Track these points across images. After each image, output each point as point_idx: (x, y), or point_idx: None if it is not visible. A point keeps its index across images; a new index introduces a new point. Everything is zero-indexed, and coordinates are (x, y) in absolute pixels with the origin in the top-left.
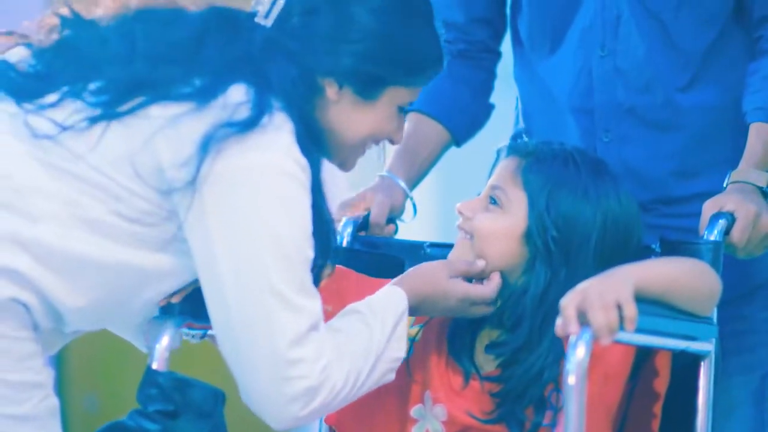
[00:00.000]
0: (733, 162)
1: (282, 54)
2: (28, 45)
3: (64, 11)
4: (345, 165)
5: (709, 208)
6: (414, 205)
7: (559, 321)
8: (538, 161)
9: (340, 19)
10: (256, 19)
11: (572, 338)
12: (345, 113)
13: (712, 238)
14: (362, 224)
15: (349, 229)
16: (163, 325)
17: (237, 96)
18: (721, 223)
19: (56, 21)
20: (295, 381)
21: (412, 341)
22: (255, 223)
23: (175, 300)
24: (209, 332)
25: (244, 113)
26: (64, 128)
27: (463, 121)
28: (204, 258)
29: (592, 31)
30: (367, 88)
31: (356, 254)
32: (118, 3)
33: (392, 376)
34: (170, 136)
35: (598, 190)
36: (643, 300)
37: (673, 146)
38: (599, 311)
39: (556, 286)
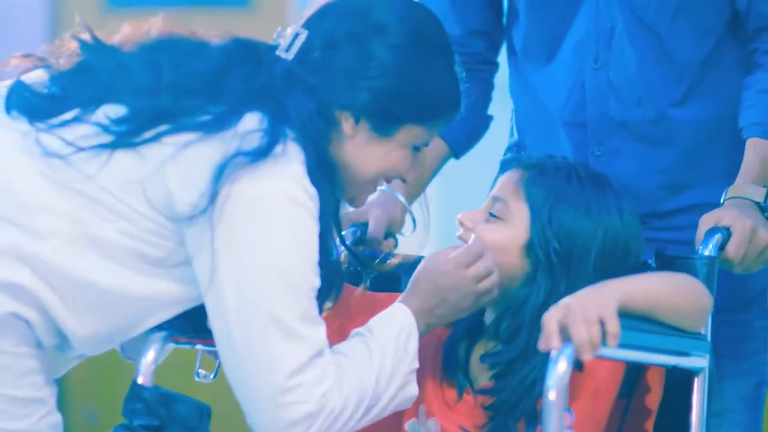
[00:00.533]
0: (726, 175)
1: (301, 87)
2: (47, 67)
3: (85, 36)
4: (355, 201)
5: (705, 222)
6: (413, 219)
7: (542, 336)
8: (541, 174)
9: (359, 54)
10: (277, 52)
11: (553, 353)
12: (360, 148)
13: (706, 253)
14: (360, 239)
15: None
16: (149, 340)
17: (250, 124)
18: (717, 237)
19: (76, 45)
20: (293, 407)
21: None
22: (261, 249)
23: None
24: (198, 346)
25: (256, 141)
26: (80, 149)
27: (462, 133)
28: (209, 282)
29: (586, 44)
30: (384, 124)
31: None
32: (137, 31)
33: (413, 392)
34: (180, 161)
35: (600, 205)
36: (628, 315)
37: (664, 160)
38: (581, 326)
39: (555, 298)
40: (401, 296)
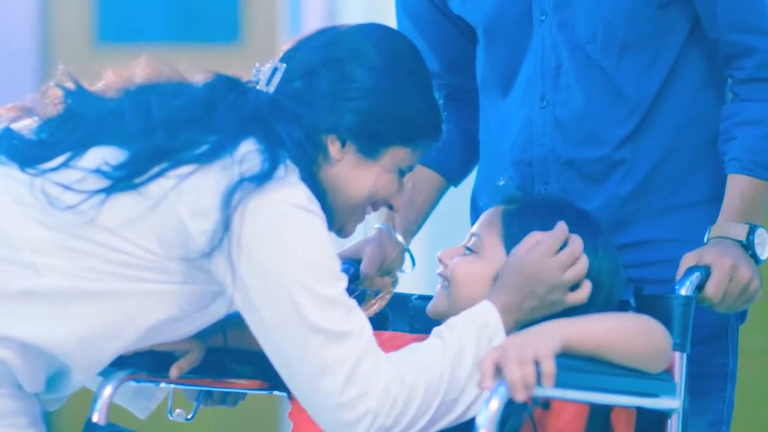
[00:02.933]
0: (670, 209)
1: (286, 115)
2: (34, 116)
3: (68, 84)
4: (344, 230)
5: (686, 261)
6: (411, 257)
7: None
8: (519, 210)
9: (339, 77)
10: (258, 87)
11: (485, 393)
12: (346, 171)
13: (683, 292)
14: (352, 276)
15: None
16: (109, 376)
17: (247, 149)
18: (695, 276)
19: (60, 93)
20: (354, 404)
21: None
22: (286, 260)
23: (125, 353)
24: (161, 384)
25: (257, 165)
26: (90, 194)
27: (455, 162)
28: (246, 309)
29: (533, 82)
30: (369, 145)
31: None
32: (120, 77)
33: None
34: (185, 192)
35: None
36: (572, 356)
37: (609, 197)
38: (514, 366)
39: None
40: (488, 293)
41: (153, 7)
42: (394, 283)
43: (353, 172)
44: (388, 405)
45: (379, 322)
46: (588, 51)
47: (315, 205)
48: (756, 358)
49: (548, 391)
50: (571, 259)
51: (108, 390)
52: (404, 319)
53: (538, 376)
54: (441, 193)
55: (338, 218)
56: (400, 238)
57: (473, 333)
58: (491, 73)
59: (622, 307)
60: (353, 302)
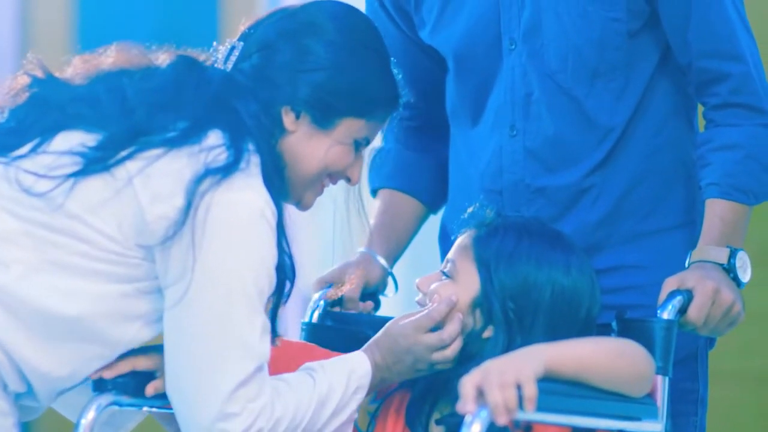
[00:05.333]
0: (640, 235)
1: (243, 92)
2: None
3: (37, 72)
4: (302, 202)
5: (668, 285)
6: (395, 280)
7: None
8: (491, 233)
9: (295, 50)
10: (216, 65)
11: (467, 417)
12: (301, 143)
13: (665, 316)
14: (336, 300)
15: (321, 304)
16: (91, 401)
17: (214, 141)
18: (677, 300)
19: (27, 80)
20: (231, 418)
21: (372, 416)
22: (233, 261)
23: (106, 375)
24: (144, 408)
25: (222, 158)
26: (62, 179)
27: (433, 189)
28: (177, 301)
29: (503, 111)
30: (323, 116)
31: (324, 330)
32: (89, 64)
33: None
34: (149, 176)
35: (548, 261)
36: (554, 379)
37: (578, 223)
38: (496, 390)
39: None
40: (364, 346)
41: (133, 10)
42: (377, 306)
43: (307, 143)
44: (253, 430)
45: (361, 346)
46: (559, 80)
47: (269, 207)
48: (731, 383)
49: (530, 414)
50: (439, 343)
51: (91, 414)
52: None
53: (520, 399)
54: (421, 219)
55: (296, 190)
56: (383, 261)
57: (344, 379)
58: (461, 102)
59: (604, 331)
60: (268, 324)
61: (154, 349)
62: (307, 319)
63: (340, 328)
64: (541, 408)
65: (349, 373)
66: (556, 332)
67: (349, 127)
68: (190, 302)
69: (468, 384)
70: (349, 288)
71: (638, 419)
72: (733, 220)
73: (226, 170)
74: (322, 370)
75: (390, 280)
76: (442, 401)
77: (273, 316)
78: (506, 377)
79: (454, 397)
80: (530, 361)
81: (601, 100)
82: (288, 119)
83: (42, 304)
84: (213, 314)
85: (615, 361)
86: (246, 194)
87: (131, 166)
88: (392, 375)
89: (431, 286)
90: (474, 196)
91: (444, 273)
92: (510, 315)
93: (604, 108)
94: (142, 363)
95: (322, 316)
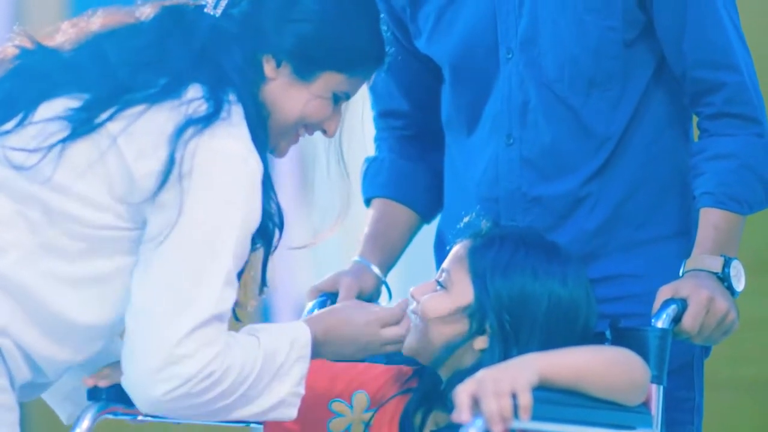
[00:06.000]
0: (637, 244)
1: (228, 40)
2: None
3: (25, 42)
4: (277, 150)
5: (663, 293)
6: (388, 289)
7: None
8: (487, 243)
9: (285, 0)
10: (205, 10)
11: (463, 427)
12: (280, 92)
13: (659, 325)
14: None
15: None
16: (86, 409)
17: (194, 94)
18: (671, 309)
19: (15, 51)
20: (183, 360)
21: (366, 425)
22: (218, 205)
23: (102, 384)
24: (139, 418)
25: (203, 109)
26: (48, 148)
27: (427, 199)
28: (154, 241)
29: (499, 120)
30: (304, 67)
31: None
32: (78, 28)
33: (290, 414)
34: (132, 134)
35: (545, 271)
36: (551, 388)
37: (575, 231)
38: (491, 399)
39: None
40: (306, 318)
41: None
42: None
43: (285, 93)
44: (203, 375)
45: None
46: (555, 89)
47: (253, 155)
48: (726, 391)
49: (525, 423)
50: (396, 339)
51: (86, 423)
52: None
53: (515, 408)
54: (415, 229)
55: (271, 138)
56: (376, 270)
57: (286, 344)
58: (457, 111)
59: (599, 339)
60: (235, 278)
61: None
62: None
63: None
64: (536, 417)
65: (292, 341)
66: (552, 344)
67: (329, 80)
68: (167, 240)
69: (463, 393)
70: (342, 296)
71: (633, 428)
72: (727, 229)
73: (207, 120)
74: (266, 332)
75: (384, 289)
76: (437, 411)
77: (263, 266)
78: (501, 386)
79: (449, 407)
80: (525, 370)
81: (598, 109)
82: (268, 67)
83: (38, 291)
84: (184, 253)
85: (610, 370)
86: (228, 143)
87: (114, 126)
88: (325, 354)
89: (423, 297)
90: (470, 204)
91: (439, 282)
92: (506, 326)
93: (601, 117)
94: None
95: None
